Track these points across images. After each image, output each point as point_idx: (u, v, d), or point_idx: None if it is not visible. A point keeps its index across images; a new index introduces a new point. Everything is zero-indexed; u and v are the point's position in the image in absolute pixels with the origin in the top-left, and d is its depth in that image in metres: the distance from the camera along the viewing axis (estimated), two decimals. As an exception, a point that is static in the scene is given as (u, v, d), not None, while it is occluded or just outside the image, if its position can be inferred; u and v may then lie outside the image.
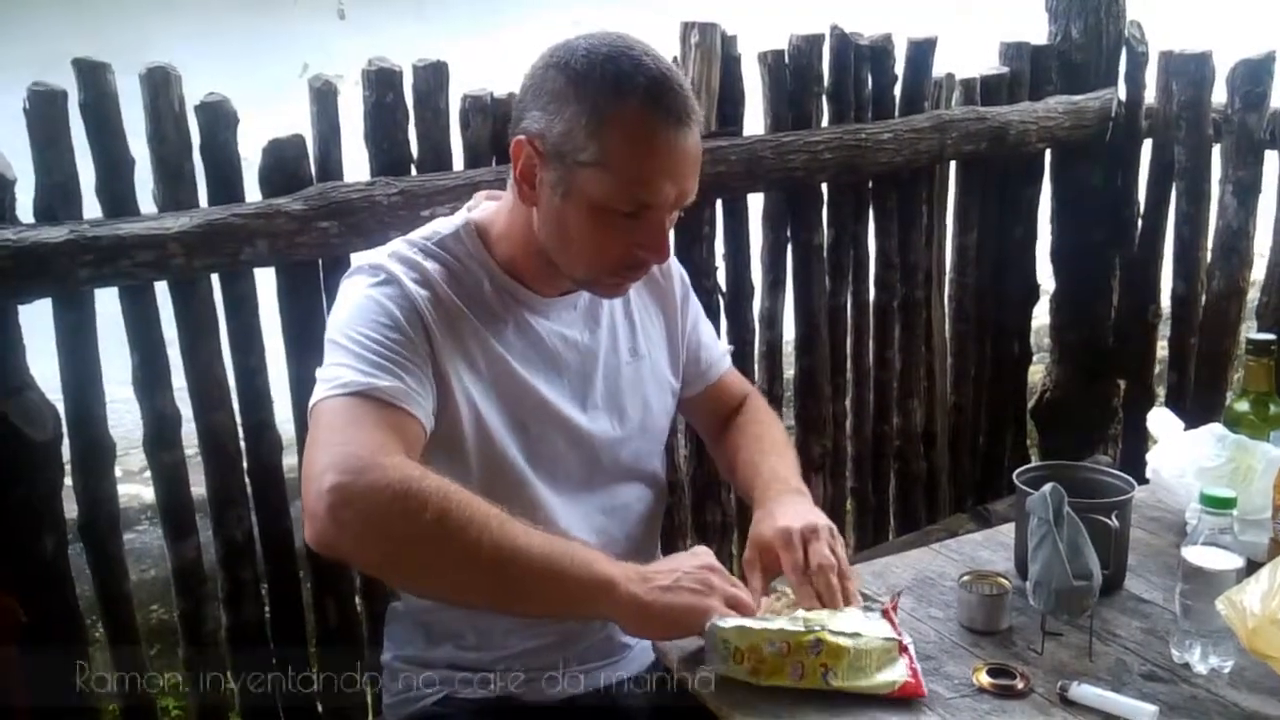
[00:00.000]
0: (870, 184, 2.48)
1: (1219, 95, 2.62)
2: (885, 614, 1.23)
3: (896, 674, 1.16)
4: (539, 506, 1.37)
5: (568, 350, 1.40)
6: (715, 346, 1.63)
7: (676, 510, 2.27)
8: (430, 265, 1.32)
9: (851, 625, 1.18)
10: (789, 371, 2.51)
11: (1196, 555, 1.21)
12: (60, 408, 1.70)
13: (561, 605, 1.21)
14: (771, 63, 2.29)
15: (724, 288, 2.31)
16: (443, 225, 1.38)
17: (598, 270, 1.32)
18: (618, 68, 1.22)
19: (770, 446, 1.51)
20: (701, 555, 1.26)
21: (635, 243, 1.28)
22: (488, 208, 1.41)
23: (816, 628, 1.16)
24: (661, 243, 1.30)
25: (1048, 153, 2.78)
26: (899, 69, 2.46)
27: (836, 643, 1.15)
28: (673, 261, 1.53)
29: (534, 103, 1.27)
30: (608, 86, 1.22)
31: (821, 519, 1.32)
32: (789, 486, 1.41)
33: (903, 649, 1.18)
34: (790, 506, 1.35)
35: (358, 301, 1.28)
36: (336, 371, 1.23)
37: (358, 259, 1.35)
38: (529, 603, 1.21)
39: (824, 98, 2.36)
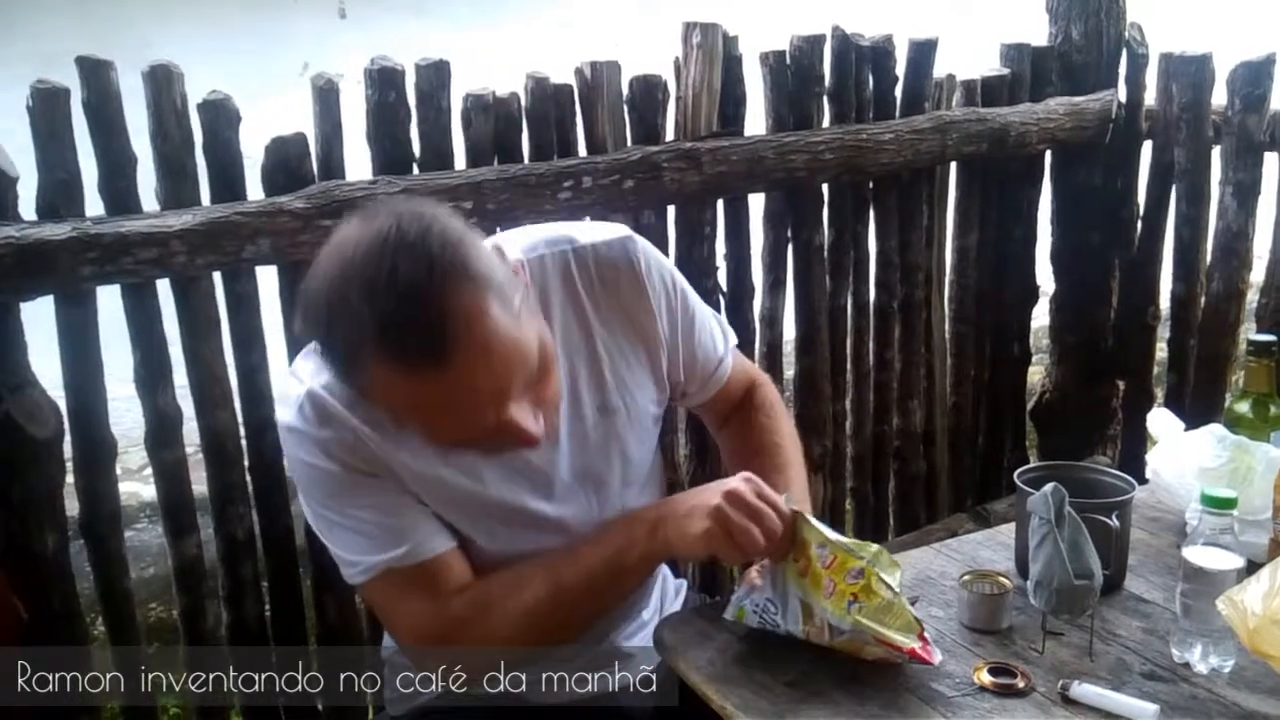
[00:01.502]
0: (871, 184, 2.49)
1: (1219, 97, 2.63)
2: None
3: (911, 640, 1.18)
4: None
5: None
6: (716, 348, 1.45)
7: (676, 510, 2.27)
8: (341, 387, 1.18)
9: (895, 585, 1.20)
10: (789, 371, 2.51)
11: (1197, 555, 1.21)
12: (62, 405, 1.70)
13: (636, 586, 1.33)
14: (773, 63, 2.29)
15: (725, 288, 2.32)
16: None
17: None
18: (344, 322, 1.04)
19: (784, 462, 1.45)
20: (731, 483, 1.22)
21: (496, 441, 1.13)
22: None
23: (868, 561, 1.19)
24: (523, 438, 1.12)
25: (1048, 154, 2.79)
26: (900, 70, 2.47)
27: (875, 586, 1.18)
28: (648, 263, 1.32)
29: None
30: (342, 343, 1.06)
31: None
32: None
33: (923, 636, 1.19)
34: None
35: (303, 472, 1.23)
36: (342, 556, 1.25)
37: (277, 403, 1.27)
38: (618, 600, 1.33)
39: (825, 98, 2.36)
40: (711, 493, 1.21)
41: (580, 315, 1.30)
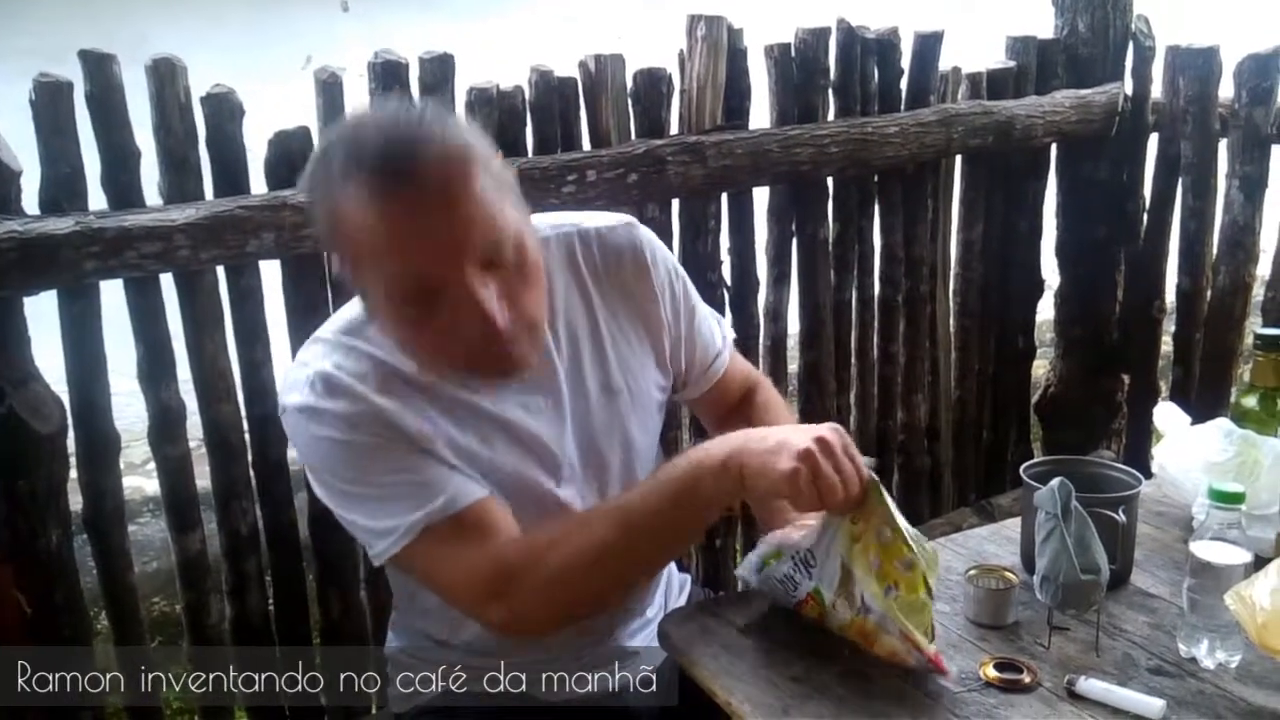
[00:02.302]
0: (876, 178, 2.48)
1: (1226, 90, 2.62)
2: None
3: (932, 647, 1.17)
4: None
5: (529, 418, 1.27)
6: (715, 339, 1.47)
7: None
8: (354, 365, 1.20)
9: (933, 590, 1.18)
10: (793, 365, 2.51)
11: (1204, 550, 1.21)
12: (65, 400, 1.70)
13: (704, 527, 1.31)
14: (778, 56, 2.28)
15: (729, 281, 2.31)
16: (358, 308, 1.23)
17: (454, 366, 1.18)
18: (331, 159, 1.10)
19: None
20: (822, 430, 1.15)
21: (459, 324, 1.11)
22: None
23: (922, 560, 1.15)
24: (482, 315, 1.10)
25: (1053, 147, 2.78)
26: (905, 63, 2.46)
27: (918, 584, 1.16)
28: (652, 249, 1.35)
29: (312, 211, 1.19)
30: (324, 184, 1.11)
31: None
32: None
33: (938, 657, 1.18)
34: None
35: (317, 449, 1.19)
36: (372, 526, 1.19)
37: (281, 392, 1.24)
38: (684, 545, 1.35)
39: (830, 91, 2.36)
40: (800, 435, 1.14)
41: (584, 295, 1.31)
